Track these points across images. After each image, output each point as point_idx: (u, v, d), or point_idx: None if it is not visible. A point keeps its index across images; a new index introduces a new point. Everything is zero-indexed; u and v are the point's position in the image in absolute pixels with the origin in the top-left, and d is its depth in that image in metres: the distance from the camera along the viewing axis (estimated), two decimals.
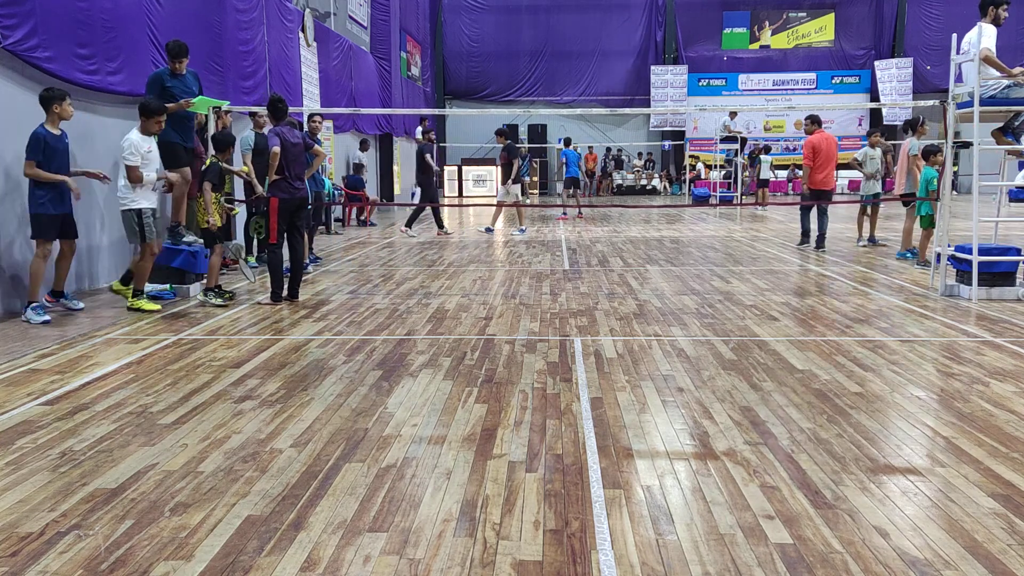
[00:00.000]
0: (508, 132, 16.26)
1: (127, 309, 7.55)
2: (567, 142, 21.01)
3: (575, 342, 6.23)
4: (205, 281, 8.19)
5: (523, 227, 15.98)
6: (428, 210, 16.92)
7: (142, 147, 7.46)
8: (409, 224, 15.44)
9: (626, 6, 32.33)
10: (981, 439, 4.04)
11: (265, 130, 10.52)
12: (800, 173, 30.79)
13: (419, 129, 24.73)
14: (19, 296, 7.63)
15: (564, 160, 20.72)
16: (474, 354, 5.87)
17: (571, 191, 20.68)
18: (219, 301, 7.80)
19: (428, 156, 15.33)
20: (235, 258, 8.64)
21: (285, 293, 8.05)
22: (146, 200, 7.50)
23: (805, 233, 13.00)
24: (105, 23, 8.87)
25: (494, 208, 16.57)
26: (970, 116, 8.18)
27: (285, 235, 8.10)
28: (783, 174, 30.25)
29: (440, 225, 15.69)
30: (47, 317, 6.99)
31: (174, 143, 8.60)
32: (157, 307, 7.56)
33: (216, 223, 8.03)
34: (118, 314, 7.40)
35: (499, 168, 16.50)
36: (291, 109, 14.72)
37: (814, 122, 12.72)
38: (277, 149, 7.93)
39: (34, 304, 7.06)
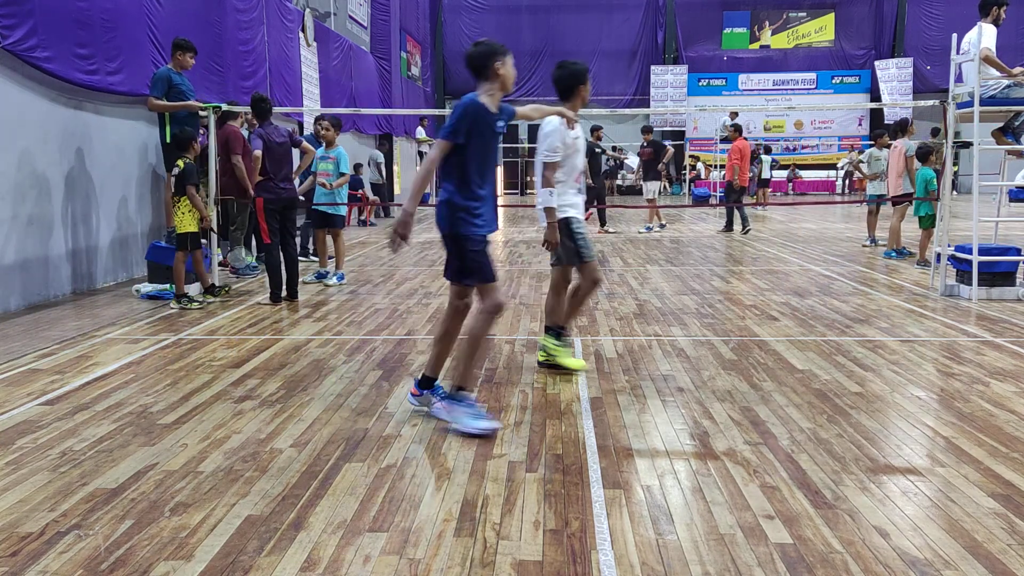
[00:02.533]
0: (653, 128, 17.07)
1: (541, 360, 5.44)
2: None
3: (575, 342, 6.22)
4: (200, 284, 8.10)
5: (664, 223, 16.47)
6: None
7: (568, 136, 5.18)
8: (603, 223, 16.14)
9: (626, 6, 32.32)
10: (981, 439, 4.04)
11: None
12: (800, 173, 31.04)
13: (436, 126, 24.67)
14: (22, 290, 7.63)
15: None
16: None
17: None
18: (195, 305, 7.68)
19: (591, 156, 15.85)
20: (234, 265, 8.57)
21: (284, 293, 8.04)
22: (575, 207, 5.32)
23: (745, 219, 15.60)
24: (105, 23, 8.87)
25: (647, 210, 16.76)
26: (970, 116, 8.17)
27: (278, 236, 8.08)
28: (783, 173, 30.23)
29: (603, 223, 16.17)
30: (491, 423, 4.18)
31: None
32: (583, 365, 5.42)
33: (209, 221, 8.00)
34: (118, 314, 7.40)
35: (641, 164, 16.86)
36: (291, 109, 14.80)
37: (737, 130, 15.77)
38: (259, 152, 7.92)
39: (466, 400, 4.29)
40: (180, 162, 7.70)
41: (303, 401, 4.73)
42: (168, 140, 8.57)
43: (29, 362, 5.66)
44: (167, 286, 8.22)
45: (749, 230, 15.50)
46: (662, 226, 16.45)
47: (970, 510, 3.22)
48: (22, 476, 3.62)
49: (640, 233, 15.67)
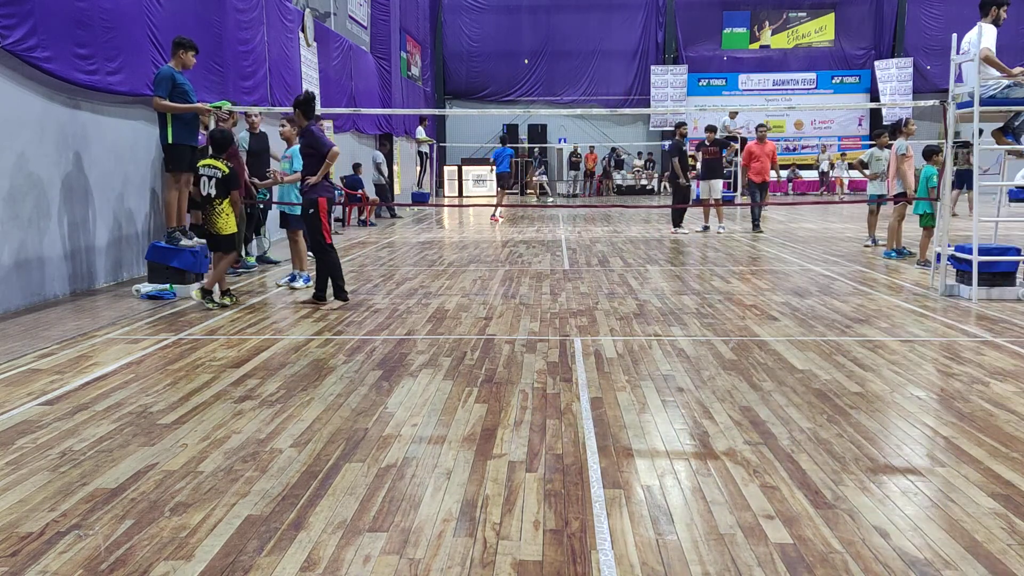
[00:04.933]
0: (717, 128, 17.18)
1: None
2: (503, 140, 20.28)
3: (575, 342, 6.23)
4: (206, 282, 8.05)
5: (723, 224, 16.12)
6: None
7: None
8: (678, 224, 15.91)
9: (626, 6, 32.32)
10: (981, 439, 4.04)
11: (256, 130, 10.76)
12: (800, 173, 31.04)
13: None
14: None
15: (494, 160, 20.02)
16: (474, 354, 5.87)
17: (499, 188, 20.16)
18: (223, 302, 7.71)
19: (678, 156, 15.81)
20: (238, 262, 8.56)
21: (330, 294, 8.07)
22: None
23: (758, 219, 16.30)
24: (105, 23, 8.87)
25: (711, 209, 16.57)
26: (970, 116, 8.17)
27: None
28: (783, 173, 30.22)
29: (677, 224, 15.94)
30: None
31: (184, 145, 8.54)
32: None
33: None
34: (118, 314, 7.40)
35: (700, 163, 16.62)
36: (287, 109, 14.78)
37: (768, 129, 16.71)
38: (338, 149, 8.00)
39: None
40: (223, 166, 7.72)
41: (303, 401, 4.73)
42: (170, 140, 8.54)
43: (29, 362, 5.66)
44: (167, 286, 8.23)
45: (726, 230, 15.91)
46: (721, 228, 16.00)
47: (970, 510, 3.22)
48: (22, 476, 3.62)
49: (720, 231, 15.66)
